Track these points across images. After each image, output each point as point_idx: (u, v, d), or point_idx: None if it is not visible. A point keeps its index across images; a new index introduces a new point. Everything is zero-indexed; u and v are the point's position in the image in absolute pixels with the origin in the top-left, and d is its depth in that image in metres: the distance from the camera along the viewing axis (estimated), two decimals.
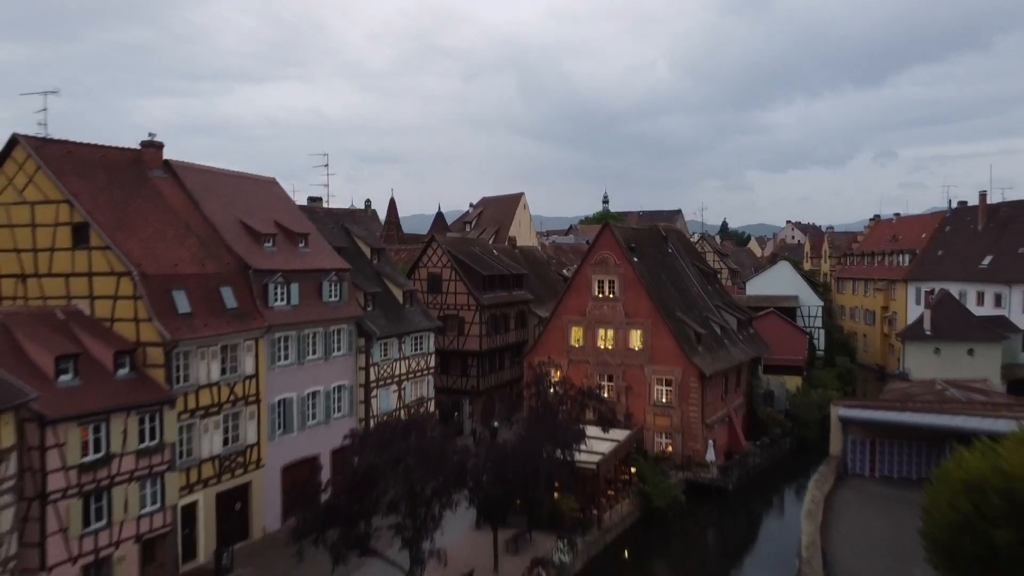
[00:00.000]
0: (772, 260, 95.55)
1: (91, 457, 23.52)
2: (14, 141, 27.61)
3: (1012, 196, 70.26)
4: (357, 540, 21.62)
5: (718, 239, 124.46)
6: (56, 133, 26.60)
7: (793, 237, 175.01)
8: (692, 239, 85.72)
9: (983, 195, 68.64)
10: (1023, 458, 12.74)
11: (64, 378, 23.65)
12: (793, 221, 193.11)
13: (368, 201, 74.47)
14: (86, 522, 23.49)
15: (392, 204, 73.05)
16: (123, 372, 25.51)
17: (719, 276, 69.42)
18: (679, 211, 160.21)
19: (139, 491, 25.18)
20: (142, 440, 25.16)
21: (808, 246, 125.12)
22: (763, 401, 48.70)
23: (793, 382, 53.44)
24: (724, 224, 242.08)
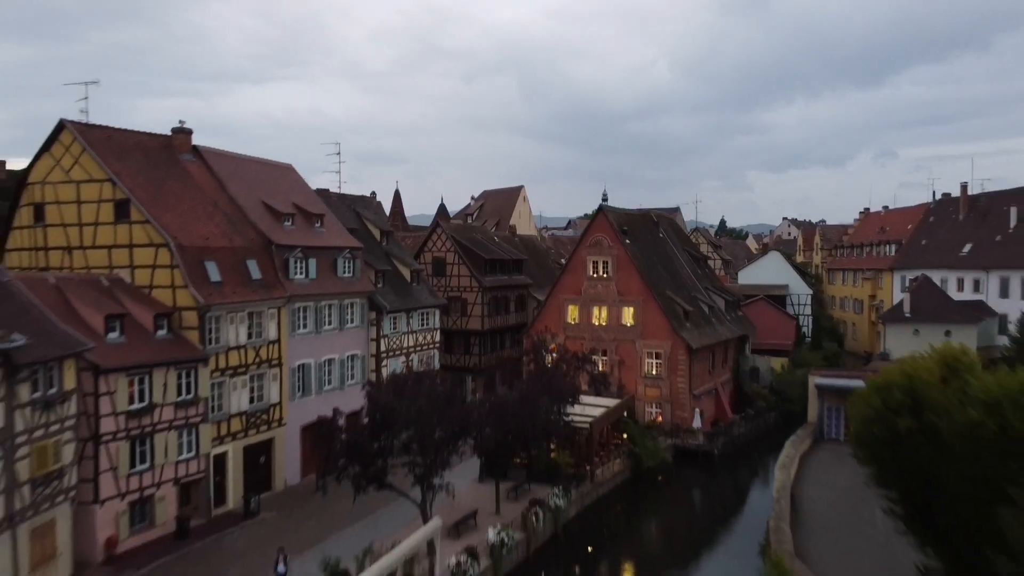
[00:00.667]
0: (764, 251, 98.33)
1: (136, 405, 26.39)
2: (61, 126, 30.48)
3: (991, 187, 72.65)
4: (375, 475, 24.46)
5: (711, 230, 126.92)
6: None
7: (789, 233, 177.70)
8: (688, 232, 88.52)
9: (964, 187, 71.57)
10: (923, 365, 15.55)
11: (112, 335, 26.51)
12: (789, 218, 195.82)
13: (373, 193, 77.05)
14: (132, 463, 26.39)
15: (397, 195, 75.95)
16: (162, 333, 28.37)
17: (712, 265, 72.36)
18: (677, 208, 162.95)
19: (177, 439, 28.06)
20: (179, 393, 28.03)
21: (801, 239, 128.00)
22: (749, 377, 51.57)
23: (779, 362, 56.28)
24: (722, 222, 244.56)
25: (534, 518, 28.10)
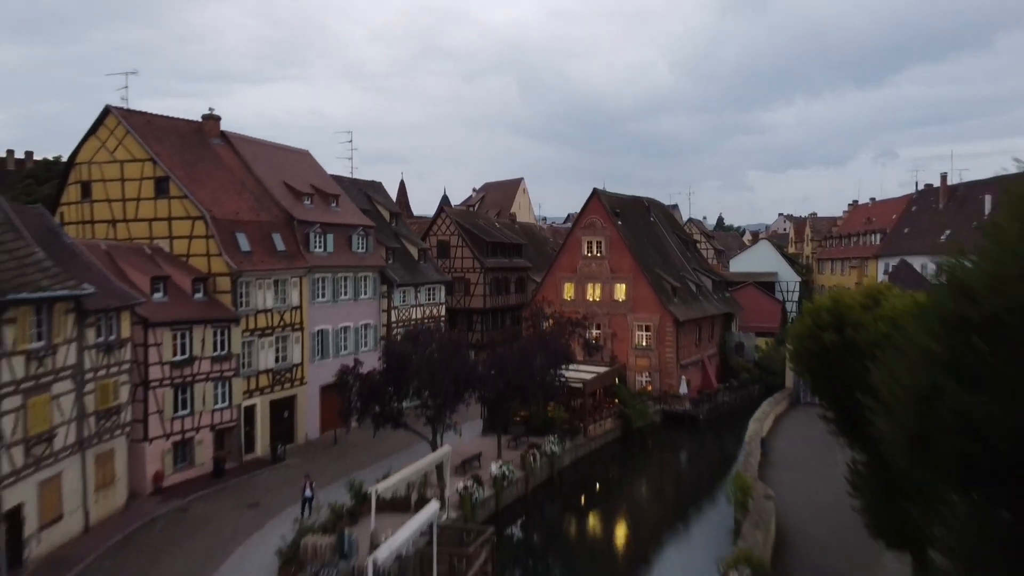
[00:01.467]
0: (755, 241, 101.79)
1: (179, 357, 29.77)
2: (107, 111, 33.84)
3: (968, 177, 76.19)
4: (392, 415, 27.86)
5: (705, 220, 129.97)
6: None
7: (784, 228, 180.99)
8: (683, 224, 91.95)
9: (944, 177, 75.08)
10: (848, 294, 18.91)
11: (157, 295, 29.87)
12: (785, 213, 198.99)
13: (379, 184, 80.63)
14: (175, 408, 29.77)
15: (402, 185, 79.37)
16: (199, 295, 31.73)
17: (705, 254, 75.76)
18: (675, 205, 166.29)
19: (213, 390, 31.43)
20: (215, 349, 31.38)
21: (792, 231, 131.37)
22: (734, 352, 54.94)
23: (764, 341, 59.65)
24: (720, 220, 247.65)
25: (532, 459, 31.48)
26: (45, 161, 55.52)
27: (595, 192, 49.18)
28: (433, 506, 19.42)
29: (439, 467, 25.07)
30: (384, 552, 16.38)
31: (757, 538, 19.26)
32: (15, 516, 21.12)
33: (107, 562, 22.52)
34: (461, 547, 20.32)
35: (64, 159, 48.11)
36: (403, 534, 17.45)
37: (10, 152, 61.89)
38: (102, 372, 25.40)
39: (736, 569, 16.31)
